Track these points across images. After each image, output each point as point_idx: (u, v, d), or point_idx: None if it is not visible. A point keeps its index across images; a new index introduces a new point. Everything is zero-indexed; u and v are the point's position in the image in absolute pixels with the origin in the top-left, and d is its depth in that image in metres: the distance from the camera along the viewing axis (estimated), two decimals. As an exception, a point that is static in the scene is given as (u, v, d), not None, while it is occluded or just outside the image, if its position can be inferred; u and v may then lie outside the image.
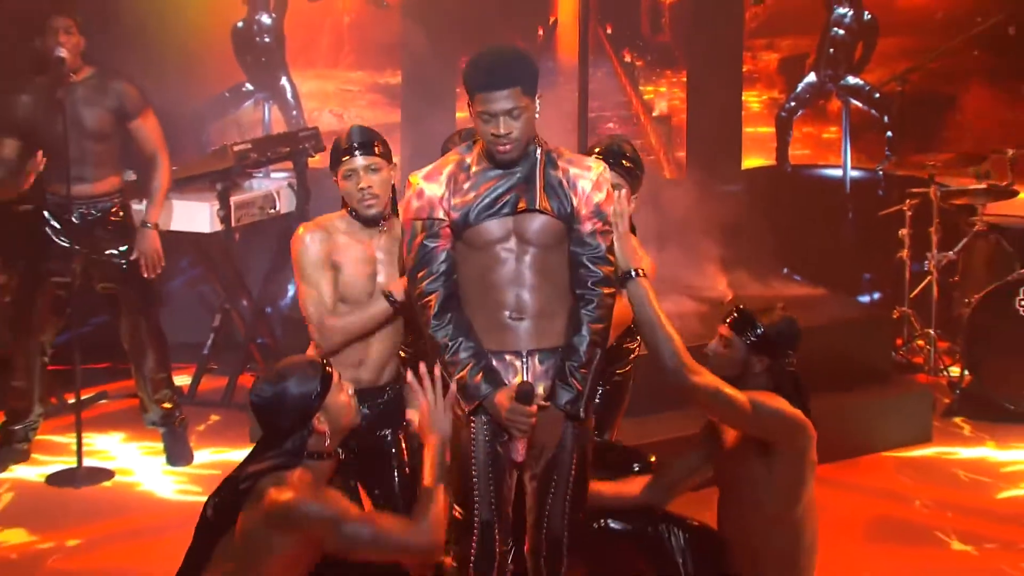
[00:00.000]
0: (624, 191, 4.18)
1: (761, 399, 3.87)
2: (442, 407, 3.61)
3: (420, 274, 3.80)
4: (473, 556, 3.82)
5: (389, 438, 4.41)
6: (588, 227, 3.83)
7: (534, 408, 3.70)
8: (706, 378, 3.84)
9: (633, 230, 4.69)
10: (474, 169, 3.85)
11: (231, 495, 3.54)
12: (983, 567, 5.16)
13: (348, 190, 4.22)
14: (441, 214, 3.81)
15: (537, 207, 3.79)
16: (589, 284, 3.81)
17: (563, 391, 3.77)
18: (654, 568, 4.06)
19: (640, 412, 5.44)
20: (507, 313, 3.81)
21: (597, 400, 4.48)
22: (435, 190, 3.84)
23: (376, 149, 4.23)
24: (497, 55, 3.83)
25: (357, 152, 4.22)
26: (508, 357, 3.81)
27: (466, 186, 3.83)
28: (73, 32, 6.06)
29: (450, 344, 3.75)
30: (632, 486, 4.19)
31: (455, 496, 3.85)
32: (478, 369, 3.74)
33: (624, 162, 4.51)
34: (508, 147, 3.76)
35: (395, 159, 4.38)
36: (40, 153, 6.01)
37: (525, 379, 3.77)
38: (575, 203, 3.82)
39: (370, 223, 4.25)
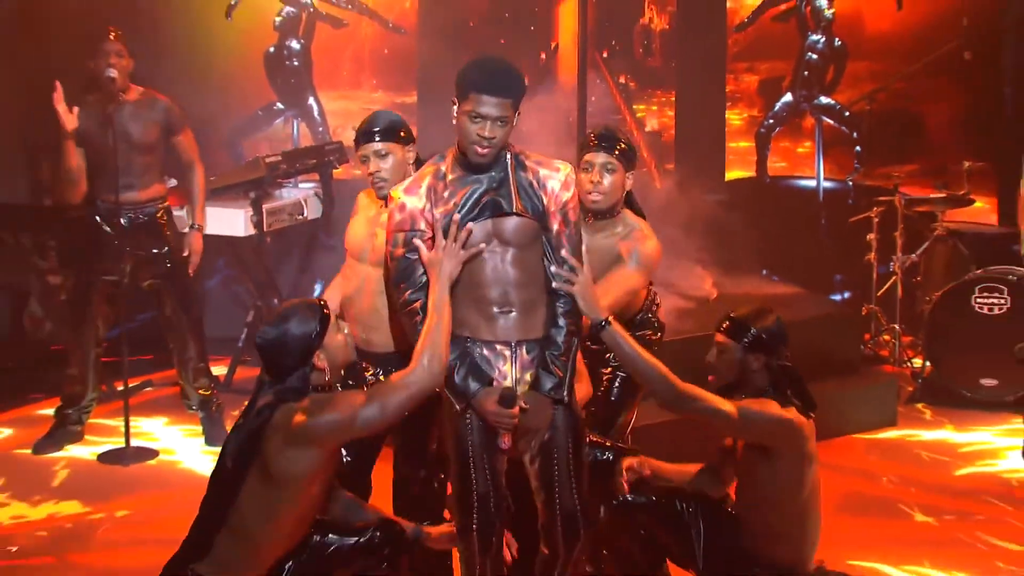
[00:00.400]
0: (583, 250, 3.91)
1: (750, 408, 3.83)
2: (451, 249, 3.63)
3: (403, 285, 3.76)
4: (475, 526, 3.79)
5: None
6: (556, 225, 3.78)
7: (516, 410, 3.69)
8: (695, 393, 3.81)
9: (638, 210, 4.66)
10: (450, 177, 3.76)
11: (247, 433, 3.57)
12: (942, 536, 5.19)
13: (366, 173, 4.26)
14: (423, 225, 3.73)
15: (515, 210, 3.73)
16: (560, 278, 3.78)
17: (546, 378, 3.75)
18: (671, 538, 4.03)
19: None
20: (495, 308, 3.76)
21: (616, 386, 4.57)
22: (416, 203, 3.76)
23: (384, 136, 4.20)
24: (500, 65, 3.76)
25: (368, 139, 4.22)
26: (499, 347, 3.76)
27: (445, 194, 3.75)
28: (123, 55, 6.08)
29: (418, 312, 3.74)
30: (690, 470, 4.20)
31: (454, 473, 3.85)
32: (464, 369, 3.72)
33: (619, 146, 4.47)
34: (488, 151, 3.69)
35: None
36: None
37: (511, 378, 3.74)
38: (546, 202, 3.76)
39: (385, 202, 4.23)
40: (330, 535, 3.77)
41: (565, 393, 3.76)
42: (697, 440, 5.07)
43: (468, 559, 3.84)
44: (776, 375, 3.92)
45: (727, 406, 3.80)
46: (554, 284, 3.74)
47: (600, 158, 4.44)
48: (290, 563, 3.70)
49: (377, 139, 4.21)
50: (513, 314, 3.76)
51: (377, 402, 3.53)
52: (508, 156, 3.77)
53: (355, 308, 4.36)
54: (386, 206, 4.12)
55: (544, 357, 3.76)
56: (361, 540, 3.78)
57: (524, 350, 3.77)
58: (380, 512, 3.97)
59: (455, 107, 3.70)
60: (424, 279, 3.73)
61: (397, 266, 3.78)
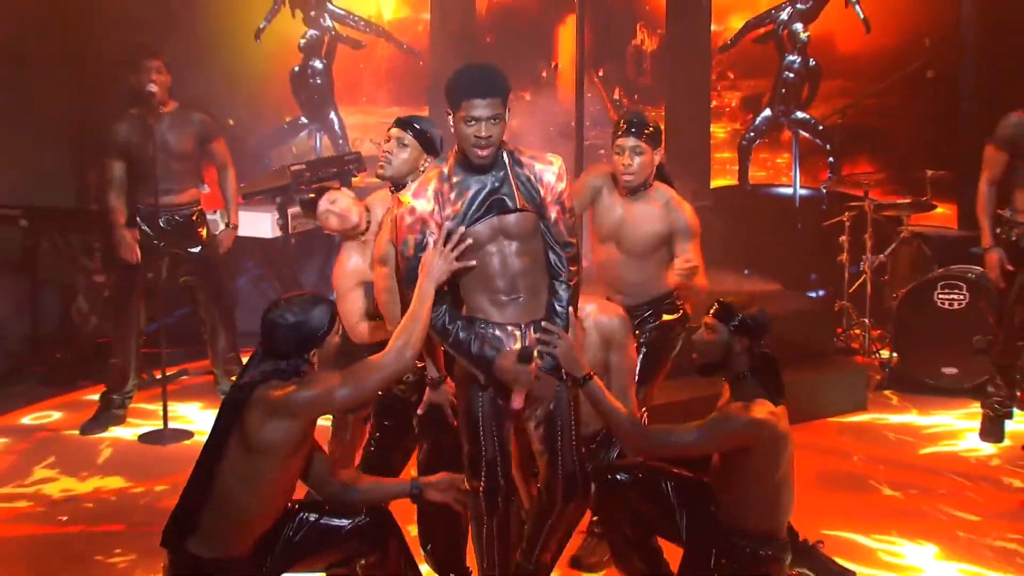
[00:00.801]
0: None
1: (719, 425, 3.81)
2: (446, 254, 3.64)
3: (412, 279, 3.75)
4: (483, 488, 3.83)
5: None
6: (553, 214, 3.79)
7: (533, 367, 3.72)
8: (666, 433, 3.89)
9: (667, 180, 4.83)
10: (454, 179, 3.75)
11: (228, 405, 3.55)
12: (907, 507, 5.19)
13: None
14: (433, 227, 3.73)
15: (518, 207, 3.74)
16: (558, 267, 3.82)
17: (549, 358, 3.78)
18: (656, 513, 4.01)
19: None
20: (504, 296, 3.79)
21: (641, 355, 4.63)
22: (424, 206, 3.74)
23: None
24: (482, 69, 3.74)
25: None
26: (510, 328, 3.79)
27: (452, 196, 3.74)
28: (163, 71, 6.11)
29: (449, 328, 3.73)
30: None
31: (466, 441, 3.88)
32: (479, 341, 3.74)
33: (646, 130, 4.62)
34: (488, 150, 3.68)
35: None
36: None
37: (524, 344, 3.77)
38: (543, 194, 3.78)
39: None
40: (323, 517, 3.74)
41: (564, 371, 3.80)
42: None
43: (477, 519, 3.88)
44: (756, 360, 3.91)
45: (697, 434, 3.80)
46: (537, 349, 3.78)
47: (630, 142, 4.59)
48: (280, 541, 3.66)
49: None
50: (520, 299, 3.80)
51: (353, 383, 3.53)
52: (505, 155, 3.77)
53: None
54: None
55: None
56: (351, 524, 3.74)
57: (532, 330, 3.80)
58: (379, 485, 3.93)
59: (450, 117, 3.69)
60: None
61: (407, 266, 3.77)
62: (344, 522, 3.74)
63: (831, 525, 4.89)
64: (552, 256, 3.82)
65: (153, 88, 6.01)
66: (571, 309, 3.83)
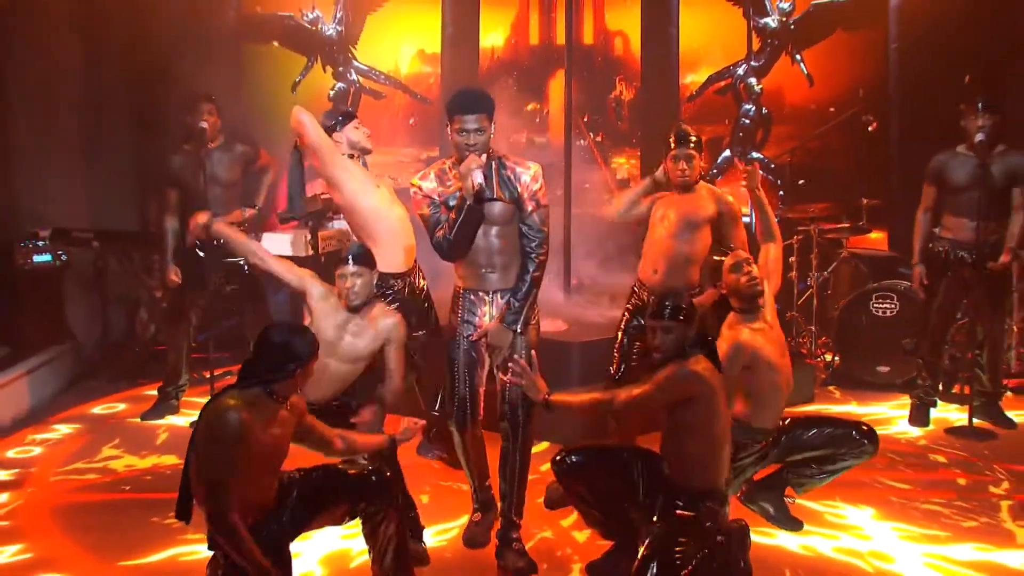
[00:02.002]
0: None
1: (666, 379, 3.87)
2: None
3: (435, 230, 4.17)
4: (454, 418, 4.32)
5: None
6: (529, 207, 4.16)
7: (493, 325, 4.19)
8: (625, 394, 3.95)
9: (708, 178, 5.22)
10: (452, 172, 4.18)
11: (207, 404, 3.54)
12: (849, 479, 5.04)
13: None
14: (436, 199, 4.18)
15: (495, 196, 4.12)
16: (530, 247, 4.19)
17: (509, 315, 4.20)
18: (617, 483, 4.04)
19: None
20: (481, 269, 4.24)
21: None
22: (428, 184, 4.20)
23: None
24: (471, 91, 4.23)
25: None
26: (482, 294, 4.27)
27: (448, 183, 4.18)
28: (213, 113, 6.17)
29: (445, 229, 4.15)
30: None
31: (446, 381, 4.35)
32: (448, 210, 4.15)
33: (691, 140, 5.02)
34: (475, 153, 4.07)
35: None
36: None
37: (488, 317, 4.25)
38: (520, 191, 4.16)
39: None
40: (328, 474, 3.79)
41: (520, 326, 4.21)
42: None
43: (457, 436, 4.37)
44: (703, 340, 3.99)
45: (652, 387, 3.90)
46: (506, 377, 4.14)
47: (683, 152, 4.99)
48: (292, 499, 3.67)
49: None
50: (494, 274, 4.24)
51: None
52: (493, 160, 4.16)
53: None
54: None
55: (510, 301, 4.19)
56: (356, 478, 3.79)
57: (499, 296, 4.26)
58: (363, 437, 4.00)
59: (448, 127, 4.10)
60: (443, 219, 4.15)
61: (427, 219, 4.20)
62: (349, 477, 3.79)
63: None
64: (524, 240, 4.17)
65: (204, 125, 6.07)
66: (533, 282, 4.21)
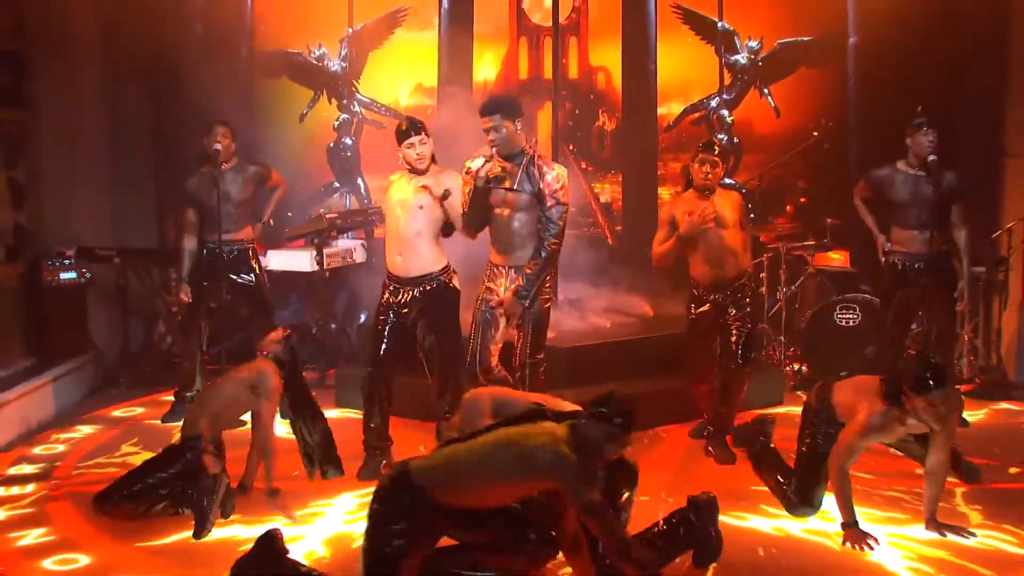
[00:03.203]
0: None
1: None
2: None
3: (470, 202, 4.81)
4: (468, 362, 4.85)
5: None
6: (548, 203, 4.59)
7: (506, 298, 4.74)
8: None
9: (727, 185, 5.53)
10: (494, 159, 4.69)
11: None
12: None
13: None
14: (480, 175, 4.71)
15: (516, 187, 4.59)
16: (545, 236, 4.65)
17: (521, 290, 4.67)
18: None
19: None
20: (499, 246, 4.80)
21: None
22: (474, 165, 4.72)
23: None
24: (489, 97, 5.00)
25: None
26: (499, 268, 4.81)
27: (487, 166, 4.68)
28: (228, 136, 6.18)
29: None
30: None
31: (467, 338, 4.90)
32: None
33: (714, 151, 5.48)
34: (496, 148, 4.65)
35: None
36: None
37: (503, 288, 4.76)
38: (542, 186, 4.64)
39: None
40: None
41: (527, 300, 4.66)
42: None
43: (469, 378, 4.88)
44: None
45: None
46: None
47: (708, 157, 5.47)
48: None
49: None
50: (509, 252, 4.75)
51: None
52: (525, 156, 4.69)
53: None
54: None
55: (524, 276, 4.64)
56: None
57: (513, 271, 4.76)
58: None
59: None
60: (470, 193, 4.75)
61: (470, 198, 4.78)
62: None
63: (756, 481, 4.87)
64: (541, 228, 4.58)
65: (218, 147, 6.08)
66: (543, 265, 4.69)
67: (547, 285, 4.80)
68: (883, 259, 6.09)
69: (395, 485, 3.32)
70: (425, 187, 4.94)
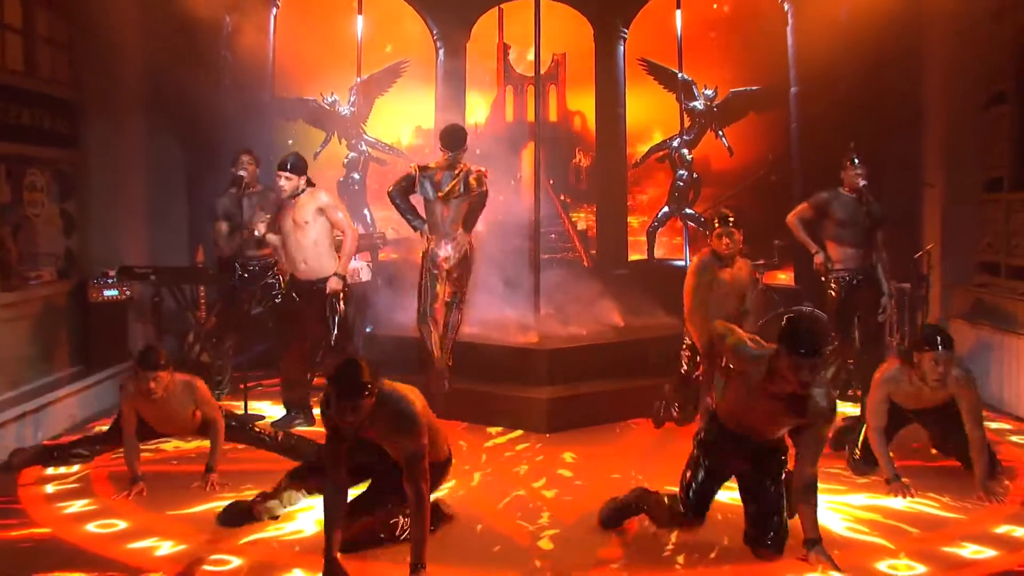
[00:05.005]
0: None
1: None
2: None
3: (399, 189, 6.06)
4: (418, 316, 5.81)
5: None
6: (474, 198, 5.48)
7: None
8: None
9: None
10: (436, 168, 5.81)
11: None
12: None
13: None
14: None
15: (446, 190, 5.42)
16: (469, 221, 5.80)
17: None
18: None
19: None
20: (440, 228, 5.87)
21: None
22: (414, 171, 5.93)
23: None
24: (447, 128, 5.93)
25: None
26: (442, 241, 5.82)
27: (431, 174, 5.86)
28: (252, 163, 6.30)
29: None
30: None
31: (418, 300, 5.80)
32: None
33: (730, 221, 5.33)
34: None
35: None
36: None
37: (444, 253, 5.86)
38: (472, 186, 5.76)
39: None
40: None
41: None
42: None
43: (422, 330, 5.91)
44: None
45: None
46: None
47: (726, 231, 5.27)
48: None
49: None
50: (445, 232, 5.81)
51: None
52: (464, 169, 5.76)
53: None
54: None
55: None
56: None
57: (445, 242, 5.82)
58: None
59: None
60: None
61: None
62: None
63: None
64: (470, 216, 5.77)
65: (243, 173, 6.19)
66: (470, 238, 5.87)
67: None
68: (826, 277, 6.22)
69: None
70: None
